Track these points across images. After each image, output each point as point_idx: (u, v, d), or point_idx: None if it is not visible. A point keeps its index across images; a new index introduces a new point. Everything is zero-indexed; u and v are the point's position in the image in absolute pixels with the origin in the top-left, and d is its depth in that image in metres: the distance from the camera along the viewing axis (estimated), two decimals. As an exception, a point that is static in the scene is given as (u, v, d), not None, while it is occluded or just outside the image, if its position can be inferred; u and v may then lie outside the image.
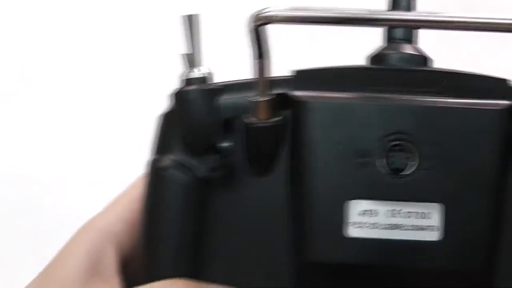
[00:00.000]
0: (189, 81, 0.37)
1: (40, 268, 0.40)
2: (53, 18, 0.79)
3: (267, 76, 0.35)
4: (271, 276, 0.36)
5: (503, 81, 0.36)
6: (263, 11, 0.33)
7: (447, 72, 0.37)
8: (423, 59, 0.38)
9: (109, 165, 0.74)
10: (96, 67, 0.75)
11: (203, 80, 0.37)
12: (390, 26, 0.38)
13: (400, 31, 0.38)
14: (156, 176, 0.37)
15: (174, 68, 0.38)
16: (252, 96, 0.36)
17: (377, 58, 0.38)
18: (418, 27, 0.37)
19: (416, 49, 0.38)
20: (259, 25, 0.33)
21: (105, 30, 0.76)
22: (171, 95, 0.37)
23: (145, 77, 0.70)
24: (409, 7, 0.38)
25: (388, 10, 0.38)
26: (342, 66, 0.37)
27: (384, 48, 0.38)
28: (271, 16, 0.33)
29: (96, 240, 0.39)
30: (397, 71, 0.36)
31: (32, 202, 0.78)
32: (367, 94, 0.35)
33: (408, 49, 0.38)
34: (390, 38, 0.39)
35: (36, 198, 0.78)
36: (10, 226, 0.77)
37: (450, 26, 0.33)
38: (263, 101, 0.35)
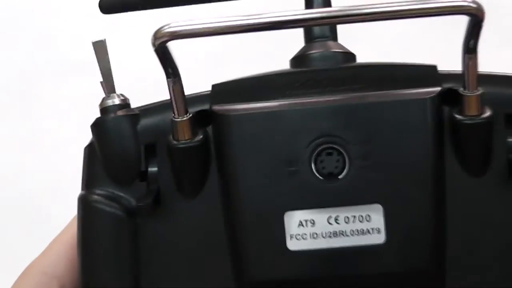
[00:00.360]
0: (104, 110, 0.36)
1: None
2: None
3: (181, 95, 0.33)
4: None
5: (432, 67, 0.35)
6: (164, 28, 0.31)
7: (371, 65, 0.35)
8: (346, 55, 0.36)
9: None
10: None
11: (119, 107, 0.36)
12: (303, 26, 0.36)
13: (318, 29, 0.37)
14: (85, 212, 0.35)
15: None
16: (170, 118, 0.34)
17: (298, 59, 0.37)
18: (334, 23, 0.36)
19: (338, 46, 0.37)
20: (162, 43, 0.31)
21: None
22: (90, 126, 0.36)
23: (146, 83, 0.68)
24: (324, 3, 0.37)
25: (302, 9, 0.36)
26: (259, 74, 0.36)
27: (305, 49, 0.37)
28: (172, 32, 0.31)
29: (40, 284, 0.38)
30: (317, 71, 0.35)
31: (32, 202, 0.78)
32: (288, 101, 0.34)
33: (329, 46, 0.36)
34: (310, 38, 0.37)
35: (36, 199, 0.78)
36: (10, 227, 0.78)
37: (368, 18, 0.31)
38: (181, 121, 0.34)
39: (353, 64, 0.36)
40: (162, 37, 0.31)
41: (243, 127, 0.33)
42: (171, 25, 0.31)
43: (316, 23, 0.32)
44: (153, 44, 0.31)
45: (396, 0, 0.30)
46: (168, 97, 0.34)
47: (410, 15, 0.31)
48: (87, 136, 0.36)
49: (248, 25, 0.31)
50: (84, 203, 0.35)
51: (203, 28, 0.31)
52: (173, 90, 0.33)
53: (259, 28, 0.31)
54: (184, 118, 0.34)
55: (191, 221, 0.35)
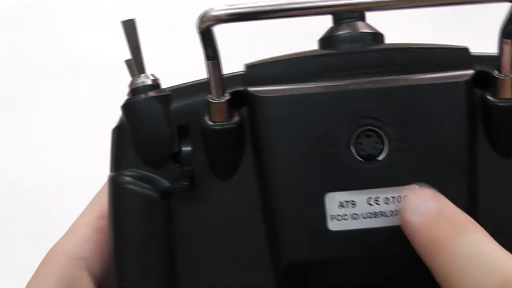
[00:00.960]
0: (135, 90, 0.35)
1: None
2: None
3: (219, 77, 0.33)
4: (252, 283, 0.35)
5: (464, 50, 0.35)
6: (208, 12, 0.31)
7: (404, 48, 0.35)
8: (375, 36, 0.36)
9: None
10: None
11: (150, 87, 0.35)
12: (336, 12, 0.36)
13: None
14: (117, 194, 0.35)
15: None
16: (204, 99, 0.34)
17: (327, 41, 0.37)
18: (366, 9, 0.36)
19: (367, 26, 0.37)
20: (207, 27, 0.31)
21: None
22: (121, 107, 0.35)
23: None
24: None
25: None
26: (292, 55, 0.36)
27: (333, 29, 0.37)
28: (217, 16, 0.31)
29: (66, 267, 0.37)
30: (351, 54, 0.35)
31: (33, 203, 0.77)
32: (324, 83, 0.34)
33: (358, 27, 0.36)
34: (338, 18, 0.37)
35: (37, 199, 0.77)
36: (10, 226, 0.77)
37: (405, 5, 0.32)
38: (219, 102, 0.34)
39: (384, 45, 0.36)
40: (206, 21, 0.31)
41: (281, 109, 0.33)
42: (216, 8, 0.31)
43: (352, 8, 0.32)
44: (198, 27, 0.31)
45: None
46: (197, 78, 0.34)
47: (453, 3, 0.31)
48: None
49: (288, 9, 0.32)
50: (115, 184, 0.35)
51: (246, 11, 0.32)
52: (213, 72, 0.33)
53: (301, 12, 0.32)
54: (222, 100, 0.33)
55: (226, 203, 0.35)
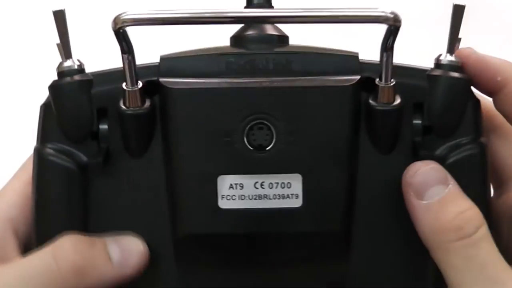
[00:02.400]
0: (61, 73, 0.39)
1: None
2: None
3: (133, 68, 0.38)
4: (154, 250, 0.40)
5: (354, 57, 0.40)
6: (119, 16, 0.36)
7: (301, 52, 0.40)
8: (281, 38, 0.41)
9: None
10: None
11: (75, 71, 0.39)
12: (242, 23, 0.41)
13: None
14: (40, 164, 0.40)
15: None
16: (121, 86, 0.38)
17: (238, 39, 0.41)
18: (267, 22, 0.41)
19: (275, 29, 0.41)
20: (118, 28, 0.36)
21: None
22: (48, 87, 0.40)
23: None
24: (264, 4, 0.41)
25: (243, 7, 0.41)
26: (203, 51, 0.40)
27: (244, 29, 0.41)
28: (125, 20, 0.36)
29: None
30: (254, 54, 0.39)
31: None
32: (227, 79, 0.38)
33: (265, 29, 0.41)
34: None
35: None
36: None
37: (296, 21, 0.37)
38: (131, 90, 0.38)
39: (287, 48, 0.41)
40: (119, 23, 0.36)
41: (186, 100, 0.38)
42: (127, 13, 0.36)
43: (249, 20, 0.37)
44: (112, 28, 0.36)
45: (325, 7, 0.36)
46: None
47: (334, 21, 0.36)
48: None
49: (191, 18, 0.36)
50: (39, 155, 0.40)
51: (154, 17, 0.36)
52: (127, 64, 0.37)
53: (205, 21, 0.36)
54: (135, 88, 0.38)
55: (135, 178, 0.39)
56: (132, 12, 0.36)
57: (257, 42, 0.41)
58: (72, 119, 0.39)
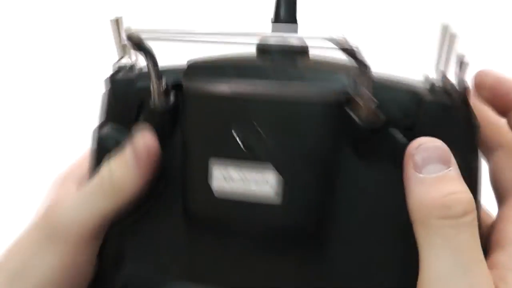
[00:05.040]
0: (117, 69, 0.49)
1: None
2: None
3: (152, 71, 0.45)
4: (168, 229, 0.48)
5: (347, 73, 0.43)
6: (127, 31, 0.44)
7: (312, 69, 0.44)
8: (302, 50, 0.45)
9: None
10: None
11: (129, 68, 0.48)
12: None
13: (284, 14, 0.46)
14: (96, 141, 0.49)
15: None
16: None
17: (262, 47, 0.46)
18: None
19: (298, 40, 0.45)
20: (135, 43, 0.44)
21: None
22: (105, 80, 0.49)
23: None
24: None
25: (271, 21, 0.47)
26: (229, 59, 0.46)
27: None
28: (129, 36, 0.44)
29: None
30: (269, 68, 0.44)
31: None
32: (239, 90, 0.44)
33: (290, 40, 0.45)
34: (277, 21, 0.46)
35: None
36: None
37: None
38: (158, 91, 0.46)
39: (307, 61, 0.45)
40: (129, 37, 0.44)
41: (201, 103, 0.45)
42: (132, 29, 0.44)
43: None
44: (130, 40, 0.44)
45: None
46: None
47: None
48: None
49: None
50: (97, 134, 0.49)
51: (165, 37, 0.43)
52: (152, 70, 0.45)
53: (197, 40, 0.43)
54: (160, 89, 0.46)
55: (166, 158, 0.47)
56: (137, 30, 0.43)
57: (282, 53, 0.45)
58: (120, 107, 0.48)
